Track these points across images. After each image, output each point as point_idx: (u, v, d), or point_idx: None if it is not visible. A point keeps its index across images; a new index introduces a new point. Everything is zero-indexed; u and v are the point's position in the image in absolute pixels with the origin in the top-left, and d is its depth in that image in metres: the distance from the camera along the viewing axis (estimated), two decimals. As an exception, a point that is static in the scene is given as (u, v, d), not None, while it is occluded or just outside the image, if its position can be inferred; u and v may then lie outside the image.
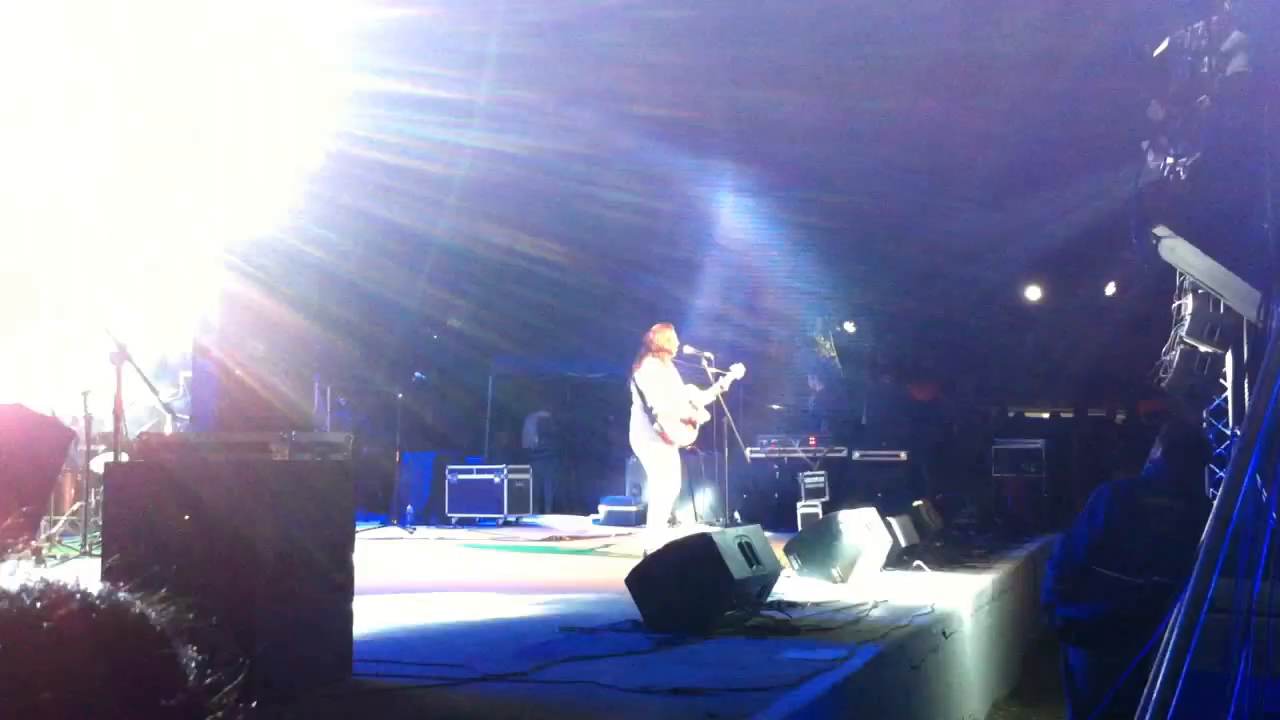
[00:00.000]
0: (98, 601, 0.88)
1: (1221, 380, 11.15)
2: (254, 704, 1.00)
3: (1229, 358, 10.40)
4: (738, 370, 10.06)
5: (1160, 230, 4.01)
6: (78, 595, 0.88)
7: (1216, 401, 11.57)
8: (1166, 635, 3.25)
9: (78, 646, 0.83)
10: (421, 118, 12.60)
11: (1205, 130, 4.07)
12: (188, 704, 0.89)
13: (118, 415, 7.15)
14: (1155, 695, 3.02)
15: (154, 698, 0.85)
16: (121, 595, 0.91)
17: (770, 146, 23.32)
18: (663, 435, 9.49)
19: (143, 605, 0.91)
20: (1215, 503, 3.18)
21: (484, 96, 13.51)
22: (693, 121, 23.63)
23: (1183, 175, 4.17)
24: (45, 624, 0.84)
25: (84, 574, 0.95)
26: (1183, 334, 10.59)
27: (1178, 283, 10.42)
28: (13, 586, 0.87)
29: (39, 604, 0.85)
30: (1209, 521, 3.24)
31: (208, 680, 0.94)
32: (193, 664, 0.92)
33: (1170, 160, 4.33)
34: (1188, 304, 10.41)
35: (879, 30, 21.26)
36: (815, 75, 22.21)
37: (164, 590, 0.98)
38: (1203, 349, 10.48)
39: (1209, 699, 3.05)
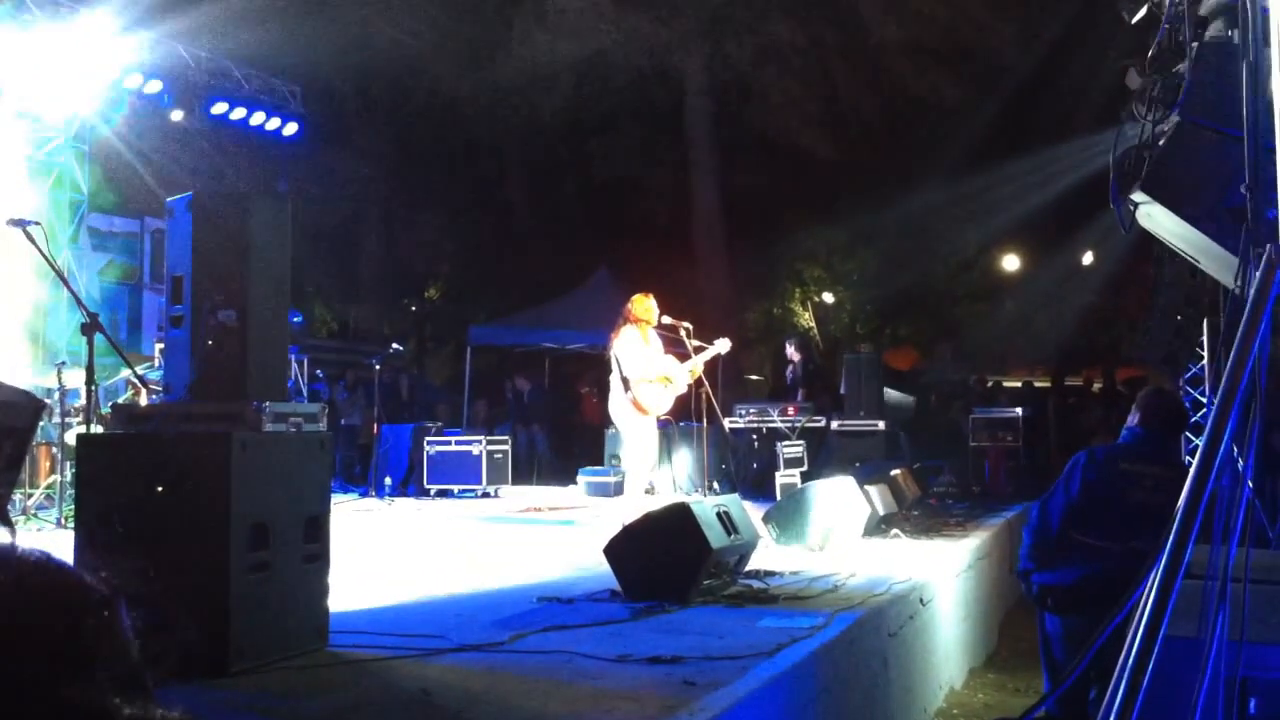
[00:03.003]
0: (42, 564, 0.86)
1: (1198, 348, 11.20)
2: (225, 675, 0.98)
3: (1205, 325, 10.44)
4: (722, 345, 10.03)
5: (1138, 196, 4.00)
6: (19, 555, 0.85)
7: (1193, 369, 11.64)
8: (1142, 601, 3.25)
9: (16, 605, 0.81)
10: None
11: (1184, 96, 4.05)
12: (125, 671, 0.86)
13: (90, 387, 7.08)
14: (1131, 660, 3.02)
15: (88, 663, 0.83)
16: (56, 558, 0.88)
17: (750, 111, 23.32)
18: (636, 404, 9.46)
19: (81, 570, 0.89)
20: (1191, 469, 3.18)
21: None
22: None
23: (1161, 141, 4.15)
24: None
25: (52, 543, 0.92)
26: (1160, 301, 10.63)
27: (1155, 250, 10.44)
28: None
29: None
30: (1185, 487, 3.24)
31: (150, 648, 0.91)
32: (134, 631, 0.89)
33: (1148, 126, 4.30)
34: (1165, 270, 10.45)
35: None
36: (797, 45, 22.16)
37: (122, 558, 0.95)
38: (1179, 316, 10.52)
39: (1185, 664, 3.05)
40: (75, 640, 0.83)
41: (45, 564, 0.86)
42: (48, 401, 9.15)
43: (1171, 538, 3.07)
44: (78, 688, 0.81)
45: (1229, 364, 3.21)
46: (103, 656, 0.84)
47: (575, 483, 14.89)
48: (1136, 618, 3.18)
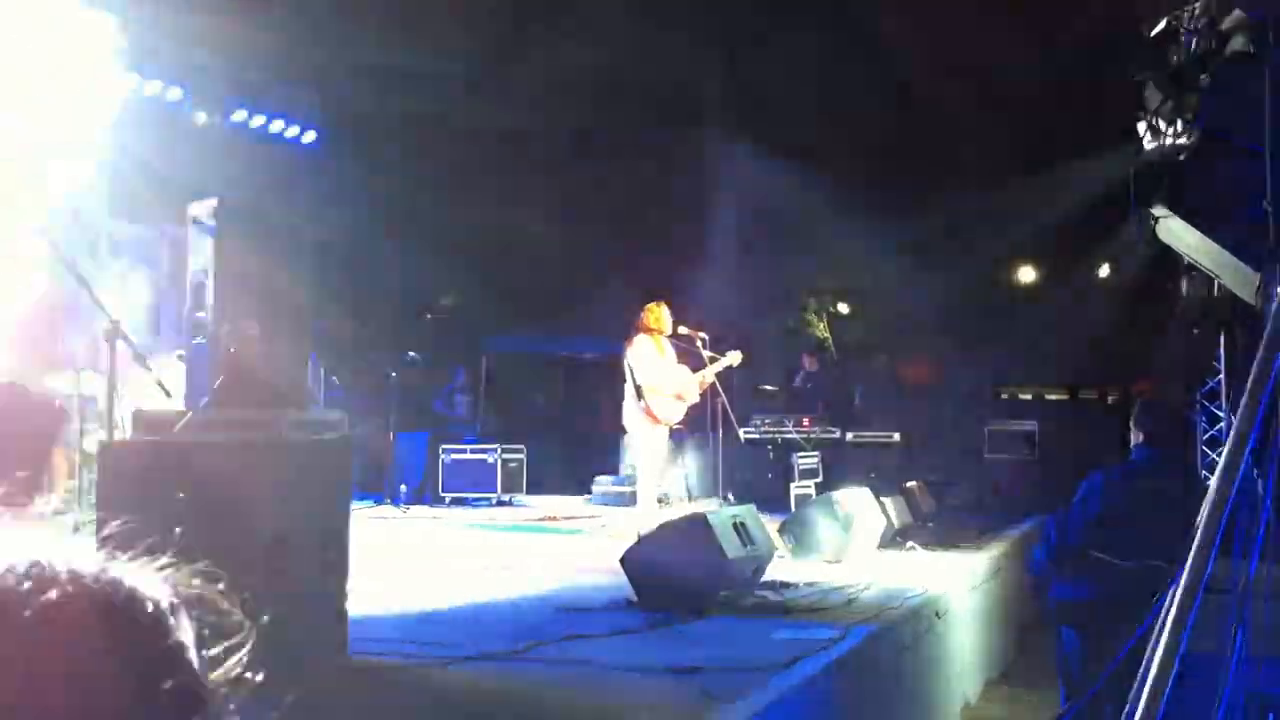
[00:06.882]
0: (89, 581, 0.84)
1: (1215, 362, 11.17)
2: (258, 675, 0.97)
3: (1222, 339, 10.41)
4: (734, 357, 10.03)
5: (1158, 210, 4.00)
6: (66, 575, 0.84)
7: (1210, 383, 11.60)
8: (1161, 617, 3.25)
9: (68, 630, 0.79)
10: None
11: (1204, 110, 4.05)
12: (187, 683, 0.85)
13: (111, 393, 7.10)
14: (1151, 675, 3.02)
15: (151, 680, 0.81)
16: (114, 572, 0.87)
17: (765, 122, 23.32)
18: (648, 413, 9.46)
19: (137, 581, 0.88)
20: (1211, 484, 3.17)
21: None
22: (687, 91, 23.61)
23: (1181, 155, 4.15)
24: (31, 608, 0.79)
25: (76, 550, 0.91)
26: (1178, 315, 10.59)
27: (1174, 263, 10.41)
28: None
29: (25, 584, 0.81)
30: (1205, 503, 3.23)
31: (209, 653, 0.91)
32: (192, 638, 0.89)
33: (1168, 140, 4.31)
34: (1183, 285, 10.42)
35: (871, 10, 21.25)
36: (811, 51, 22.18)
37: (165, 558, 0.94)
38: (1196, 330, 10.47)
39: (1204, 680, 3.05)
40: (139, 661, 0.82)
41: (104, 580, 0.85)
42: (69, 408, 9.18)
43: (1192, 553, 3.07)
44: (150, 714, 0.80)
45: (1250, 378, 3.21)
46: (167, 676, 0.83)
47: (590, 492, 14.89)
48: (1156, 633, 3.17)
